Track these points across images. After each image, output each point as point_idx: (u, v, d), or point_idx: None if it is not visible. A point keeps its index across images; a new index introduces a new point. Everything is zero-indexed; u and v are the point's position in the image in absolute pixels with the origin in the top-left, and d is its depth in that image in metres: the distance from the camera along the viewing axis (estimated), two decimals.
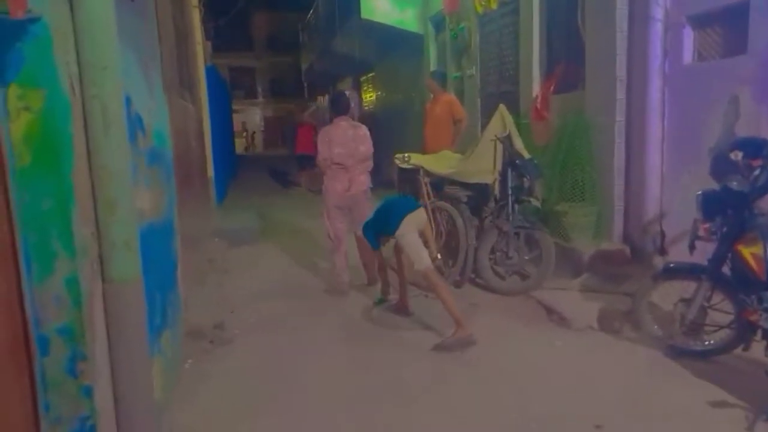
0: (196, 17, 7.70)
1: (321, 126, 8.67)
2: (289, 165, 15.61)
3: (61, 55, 1.65)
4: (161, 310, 2.99)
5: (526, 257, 4.94)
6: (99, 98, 1.73)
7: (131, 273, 1.86)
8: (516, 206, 4.91)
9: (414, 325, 4.30)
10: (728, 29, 4.24)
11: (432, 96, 6.77)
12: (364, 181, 5.07)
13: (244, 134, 34.31)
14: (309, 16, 20.49)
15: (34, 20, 1.52)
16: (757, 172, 3.03)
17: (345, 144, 4.93)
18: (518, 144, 5.26)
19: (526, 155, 5.20)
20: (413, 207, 4.28)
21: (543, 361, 3.60)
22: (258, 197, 11.99)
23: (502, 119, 5.28)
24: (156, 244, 3.02)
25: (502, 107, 5.35)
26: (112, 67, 1.75)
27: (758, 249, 2.95)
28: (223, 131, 12.81)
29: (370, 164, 5.14)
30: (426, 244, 4.22)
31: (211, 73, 9.83)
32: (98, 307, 1.81)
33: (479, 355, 3.70)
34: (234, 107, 24.03)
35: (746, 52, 3.99)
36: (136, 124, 2.72)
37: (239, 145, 21.79)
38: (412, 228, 4.14)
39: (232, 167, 14.50)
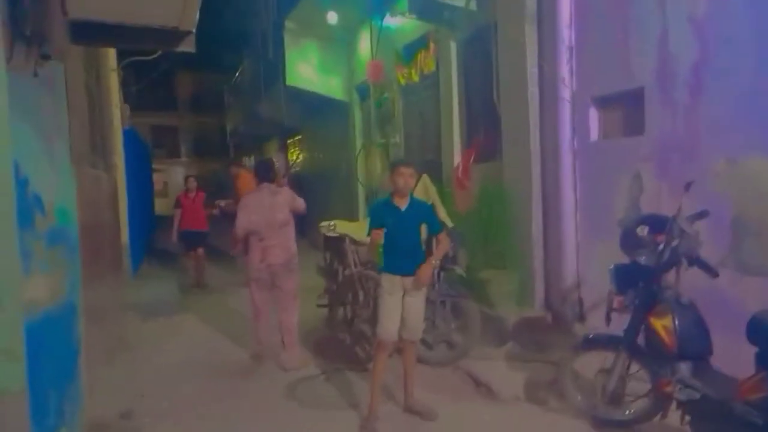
0: (113, 81, 7.47)
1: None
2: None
3: None
4: (56, 409, 2.69)
5: (453, 326, 4.93)
6: None
7: (13, 384, 1.64)
8: (441, 275, 4.94)
9: (340, 401, 4.13)
10: (628, 111, 4.59)
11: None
12: (279, 254, 4.84)
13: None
14: (234, 78, 20.53)
15: None
16: (661, 247, 3.20)
17: (260, 212, 4.82)
18: (442, 213, 5.35)
19: (450, 224, 5.29)
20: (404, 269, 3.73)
21: None
22: (178, 262, 11.44)
23: (426, 189, 5.39)
24: (53, 334, 2.75)
25: (425, 177, 5.46)
26: (2, 157, 1.60)
27: (668, 321, 3.08)
28: (142, 195, 12.31)
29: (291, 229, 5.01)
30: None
31: (130, 136, 9.51)
32: None
33: None
34: (156, 166, 23.28)
35: (644, 133, 4.32)
36: (34, 205, 2.52)
37: (161, 205, 20.90)
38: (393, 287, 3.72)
39: (151, 230, 13.85)
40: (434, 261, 3.85)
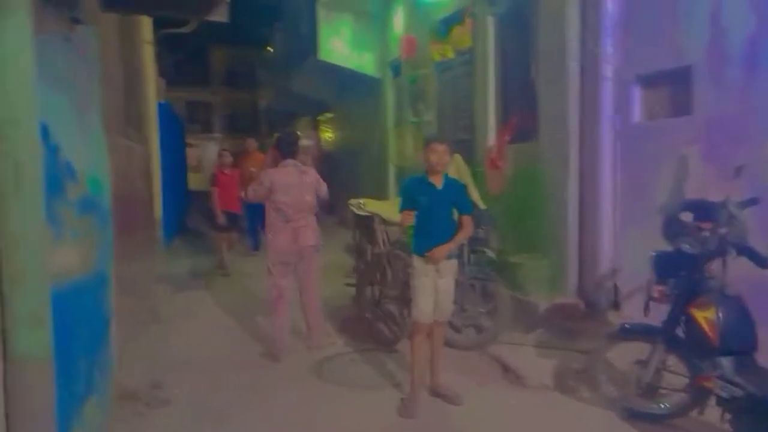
0: (148, 54, 7.49)
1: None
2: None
3: None
4: (86, 376, 2.71)
5: (482, 309, 4.84)
6: (10, 155, 1.54)
7: (39, 350, 1.63)
8: (471, 257, 4.83)
9: (369, 381, 4.12)
10: (674, 90, 4.36)
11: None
12: (310, 235, 4.64)
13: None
14: (267, 52, 20.51)
15: None
16: (706, 234, 3.04)
17: (289, 192, 4.53)
18: (474, 194, 5.23)
19: (482, 206, 5.17)
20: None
21: (498, 422, 3.48)
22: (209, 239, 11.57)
23: (458, 169, 5.27)
24: (83, 303, 2.77)
25: (457, 157, 5.34)
26: (27, 119, 1.56)
27: (711, 313, 2.93)
28: (176, 169, 12.44)
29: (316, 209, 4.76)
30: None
31: (165, 110, 9.58)
32: None
33: (436, 417, 3.55)
34: (190, 142, 23.53)
35: (691, 113, 4.10)
36: (65, 172, 2.51)
37: (194, 180, 20.99)
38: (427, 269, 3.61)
39: (185, 205, 14.03)
40: (453, 244, 3.67)
